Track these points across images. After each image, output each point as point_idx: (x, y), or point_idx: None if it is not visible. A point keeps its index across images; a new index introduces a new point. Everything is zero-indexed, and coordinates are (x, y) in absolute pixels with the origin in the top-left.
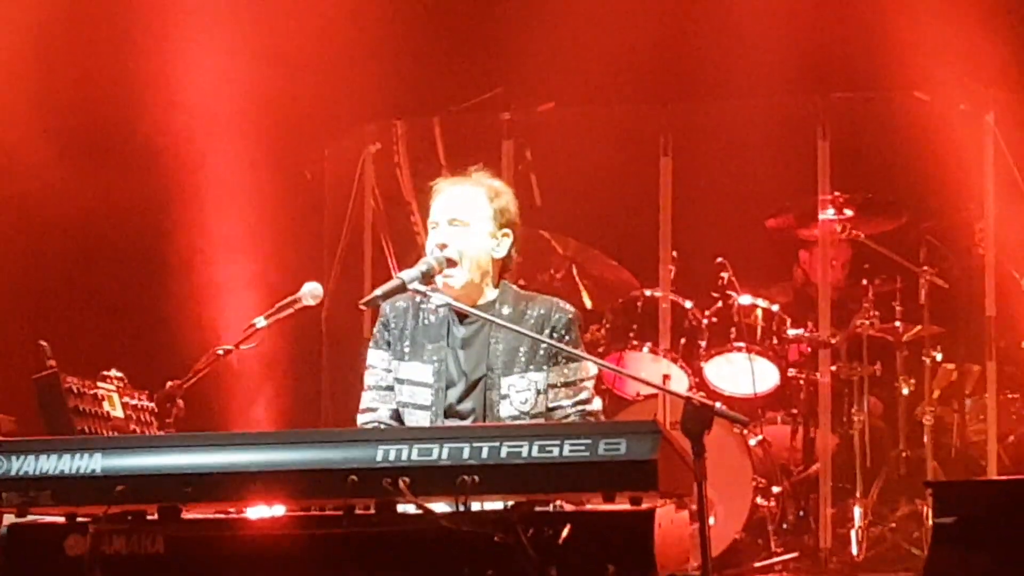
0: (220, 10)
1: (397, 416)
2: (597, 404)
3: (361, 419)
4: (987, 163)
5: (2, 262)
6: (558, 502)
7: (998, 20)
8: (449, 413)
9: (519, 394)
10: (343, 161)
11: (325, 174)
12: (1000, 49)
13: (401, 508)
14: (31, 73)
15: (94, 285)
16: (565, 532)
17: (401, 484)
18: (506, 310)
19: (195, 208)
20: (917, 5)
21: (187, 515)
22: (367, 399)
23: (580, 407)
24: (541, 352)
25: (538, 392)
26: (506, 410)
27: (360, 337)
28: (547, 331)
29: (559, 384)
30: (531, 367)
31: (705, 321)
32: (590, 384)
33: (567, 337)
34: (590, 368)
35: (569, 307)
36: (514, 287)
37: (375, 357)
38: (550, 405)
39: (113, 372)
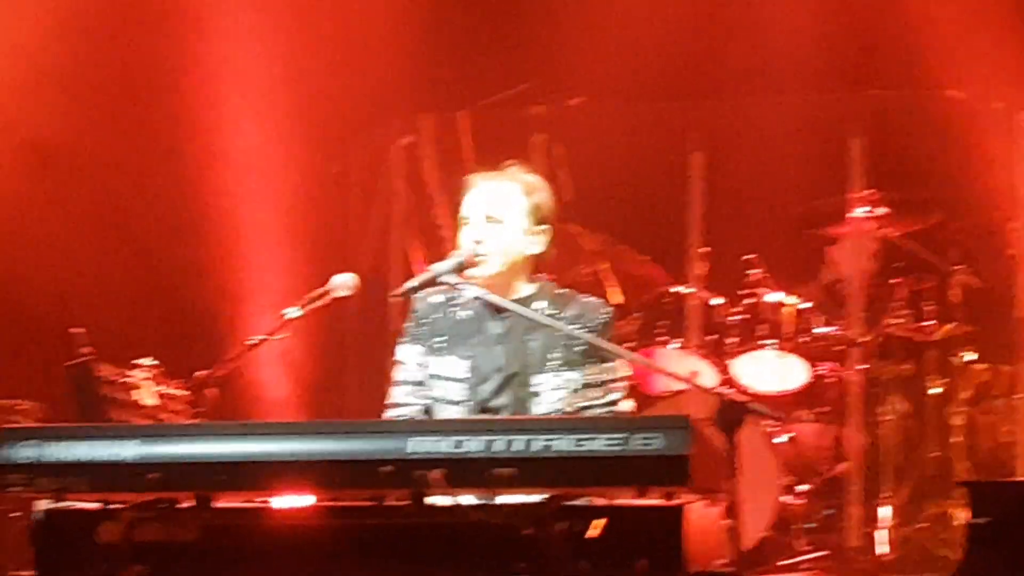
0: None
1: (427, 412)
2: (627, 406)
3: (390, 414)
4: (1020, 161)
5: (34, 249)
6: (590, 497)
7: None
8: (482, 409)
9: (552, 392)
10: (371, 154)
11: (353, 167)
12: None
13: (431, 500)
14: (67, 62)
15: (126, 273)
16: (597, 527)
17: (433, 476)
18: (542, 307)
19: (227, 198)
20: (951, 2)
21: (219, 503)
22: (397, 394)
23: (610, 408)
24: (575, 351)
25: (571, 391)
26: (538, 408)
27: (387, 330)
28: (585, 327)
29: (592, 384)
30: (564, 366)
31: (735, 318)
32: (622, 385)
33: (604, 334)
34: (623, 370)
35: (605, 307)
36: (551, 284)
37: (406, 352)
38: (580, 404)
39: (146, 360)
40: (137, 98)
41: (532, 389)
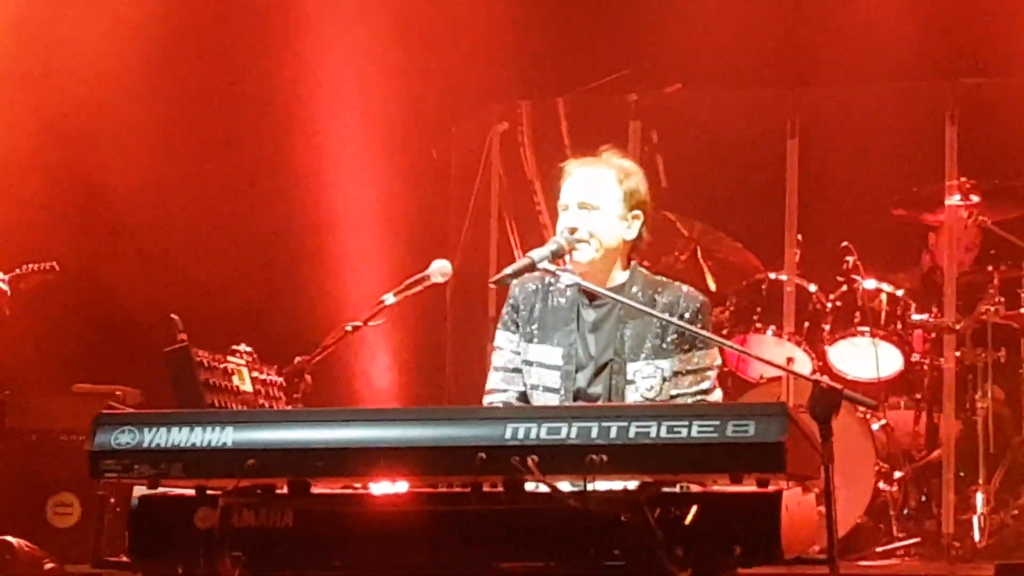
0: None
1: (524, 398)
2: (718, 395)
3: (487, 400)
4: None
5: (132, 236)
6: (685, 483)
7: None
8: (578, 396)
9: (645, 380)
10: (469, 140)
11: (452, 153)
12: None
13: (528, 487)
14: (175, 55)
15: (224, 260)
16: (692, 513)
17: (530, 462)
18: (638, 292)
19: (325, 186)
20: None
21: (316, 490)
22: (494, 380)
23: (701, 396)
24: (669, 339)
25: (663, 379)
26: (631, 396)
27: (485, 315)
28: (680, 315)
29: (683, 372)
30: (658, 354)
31: (829, 305)
32: (713, 375)
33: (696, 326)
34: (716, 358)
35: (700, 295)
36: (645, 271)
37: (503, 338)
38: (672, 392)
39: (243, 347)
40: (241, 90)
41: (626, 377)
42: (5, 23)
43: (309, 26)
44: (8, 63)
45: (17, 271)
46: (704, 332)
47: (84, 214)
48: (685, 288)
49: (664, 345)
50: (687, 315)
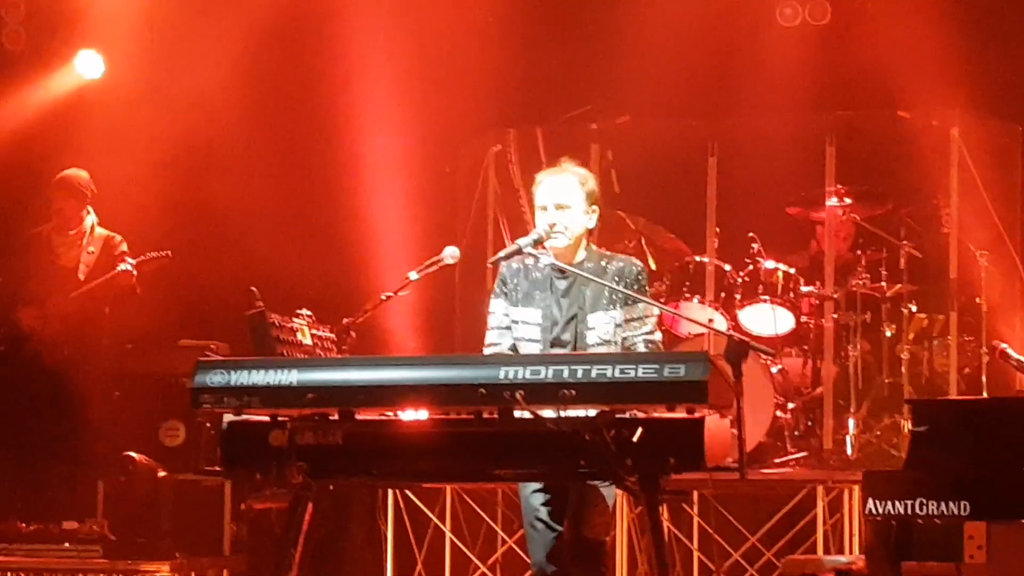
0: (387, 42)
1: (514, 348)
2: (658, 336)
3: (486, 350)
4: (952, 165)
5: (223, 230)
6: (633, 411)
7: (964, 54)
8: (553, 344)
9: (602, 326)
10: (472, 158)
11: (459, 167)
12: (964, 77)
13: (517, 414)
14: (249, 90)
15: (290, 247)
16: (638, 433)
17: (518, 396)
18: (591, 265)
19: (365, 191)
20: (902, 42)
21: (359, 416)
22: (491, 336)
23: (645, 336)
24: (617, 295)
25: (616, 325)
26: (591, 338)
27: (484, 288)
28: (624, 280)
29: (630, 319)
30: (610, 306)
31: (740, 280)
32: (652, 320)
33: (638, 283)
34: (654, 309)
35: (638, 262)
36: (596, 247)
37: (496, 305)
38: (623, 335)
39: (304, 311)
40: (302, 119)
41: (587, 325)
42: (134, 65)
43: (354, 74)
44: (133, 96)
45: (142, 258)
46: (641, 296)
47: (189, 215)
48: (628, 258)
49: (615, 299)
50: (630, 276)
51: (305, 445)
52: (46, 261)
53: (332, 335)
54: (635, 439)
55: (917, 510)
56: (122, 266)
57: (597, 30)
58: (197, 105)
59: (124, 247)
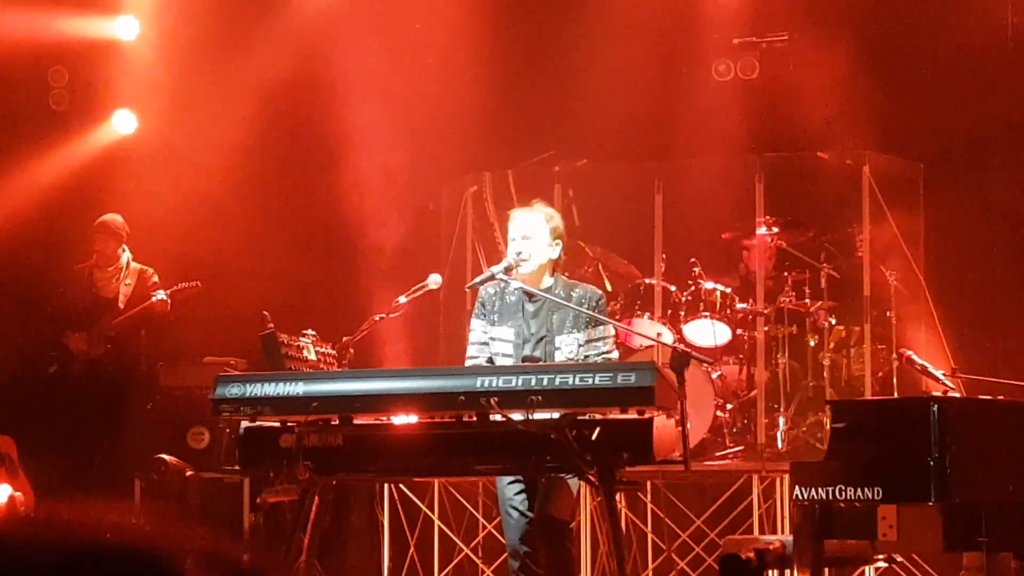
0: (380, 99)
1: (491, 362)
2: (615, 355)
3: (467, 363)
4: (864, 198)
5: (240, 264)
6: (591, 413)
7: (873, 102)
8: (525, 360)
9: (567, 347)
10: (452, 197)
11: (441, 205)
12: (873, 122)
13: (493, 417)
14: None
15: (297, 276)
16: (596, 432)
17: (492, 402)
18: (560, 291)
19: (360, 227)
20: (820, 94)
21: (357, 421)
22: (471, 351)
23: (604, 354)
24: (581, 319)
25: (579, 346)
26: (559, 357)
27: (464, 310)
28: (586, 305)
29: (592, 339)
30: (574, 330)
31: (684, 299)
32: (610, 341)
33: (598, 308)
34: (611, 331)
35: (599, 291)
36: (564, 277)
37: (476, 324)
38: (585, 354)
39: (309, 331)
40: (307, 164)
41: (555, 346)
42: (162, 122)
43: (352, 127)
44: (161, 148)
45: (174, 288)
46: (603, 316)
47: (209, 250)
48: (591, 287)
49: (578, 324)
50: (592, 303)
51: (311, 446)
52: (89, 293)
53: (333, 351)
54: (594, 437)
55: (837, 495)
56: (159, 295)
57: (560, 88)
58: (216, 156)
59: (156, 278)
